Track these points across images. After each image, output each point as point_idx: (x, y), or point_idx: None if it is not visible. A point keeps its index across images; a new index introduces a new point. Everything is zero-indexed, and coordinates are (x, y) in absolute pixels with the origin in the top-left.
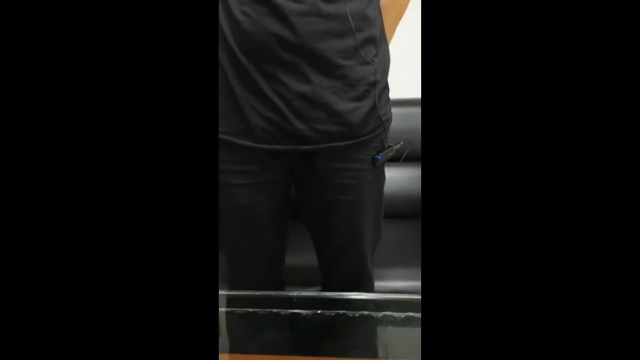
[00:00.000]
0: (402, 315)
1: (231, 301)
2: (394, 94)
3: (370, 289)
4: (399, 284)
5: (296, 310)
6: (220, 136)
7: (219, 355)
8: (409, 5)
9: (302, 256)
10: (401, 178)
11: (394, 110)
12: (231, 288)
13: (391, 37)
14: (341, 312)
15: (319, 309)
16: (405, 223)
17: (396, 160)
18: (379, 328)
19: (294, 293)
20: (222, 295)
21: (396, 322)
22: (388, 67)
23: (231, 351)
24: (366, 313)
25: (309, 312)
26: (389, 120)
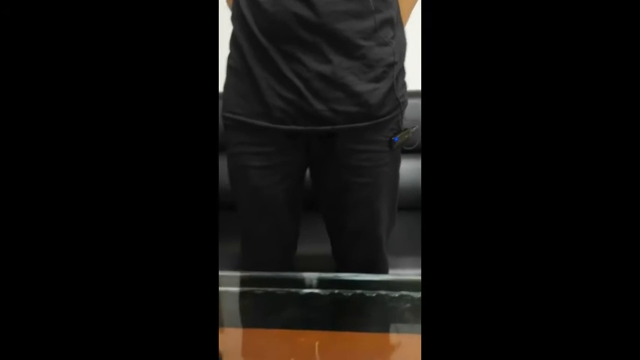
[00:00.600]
0: (419, 294)
1: (248, 281)
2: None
3: (385, 272)
4: (410, 272)
5: (314, 290)
6: (238, 117)
7: (234, 329)
8: None
9: (313, 244)
10: (411, 170)
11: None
12: (244, 270)
13: (406, 22)
14: (358, 292)
15: (336, 289)
16: (415, 214)
17: (410, 145)
18: (395, 307)
19: (309, 274)
20: (235, 275)
21: (413, 301)
22: (405, 49)
23: (247, 326)
24: (383, 292)
25: (327, 291)
26: (405, 102)
